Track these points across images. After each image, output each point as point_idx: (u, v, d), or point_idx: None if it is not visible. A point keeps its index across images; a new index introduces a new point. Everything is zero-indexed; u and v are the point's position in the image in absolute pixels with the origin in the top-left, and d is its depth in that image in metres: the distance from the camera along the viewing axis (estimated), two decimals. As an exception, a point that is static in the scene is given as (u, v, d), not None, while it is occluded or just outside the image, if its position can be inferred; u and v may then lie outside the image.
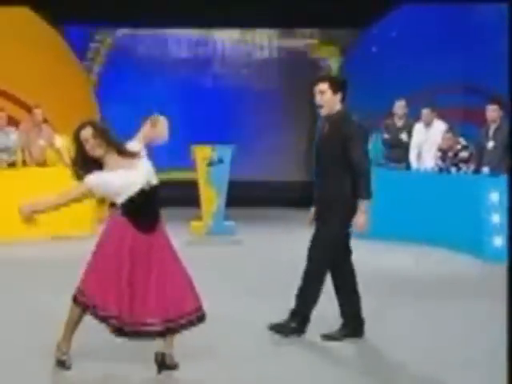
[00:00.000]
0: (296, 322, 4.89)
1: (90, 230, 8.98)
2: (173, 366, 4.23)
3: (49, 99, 10.72)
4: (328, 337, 4.86)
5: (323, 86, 4.80)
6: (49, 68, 11.46)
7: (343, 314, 4.94)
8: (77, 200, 4.16)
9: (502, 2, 6.97)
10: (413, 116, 9.63)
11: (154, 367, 4.19)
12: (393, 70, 11.34)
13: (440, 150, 9.03)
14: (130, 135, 4.25)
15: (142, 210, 4.06)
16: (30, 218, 4.09)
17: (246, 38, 13.94)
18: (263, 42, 13.90)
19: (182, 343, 4.29)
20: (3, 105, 10.53)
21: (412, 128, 9.50)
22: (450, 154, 8.87)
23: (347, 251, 4.95)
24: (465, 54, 10.99)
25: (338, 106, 4.83)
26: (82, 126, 4.10)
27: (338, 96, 4.81)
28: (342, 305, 4.94)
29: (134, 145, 4.14)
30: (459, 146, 8.83)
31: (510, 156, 7.89)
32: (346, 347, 4.75)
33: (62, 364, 4.23)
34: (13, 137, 9.58)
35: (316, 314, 4.92)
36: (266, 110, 13.65)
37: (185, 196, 10.45)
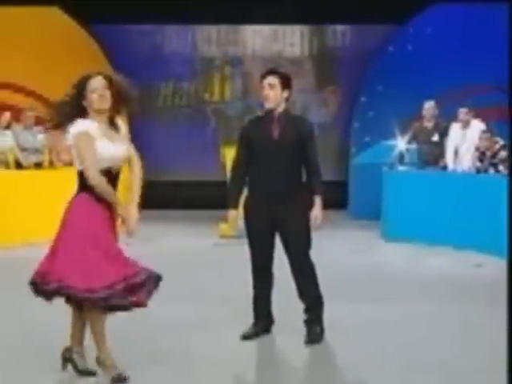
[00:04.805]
0: (319, 326, 4.85)
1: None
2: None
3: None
4: (245, 336, 4.81)
5: (274, 80, 4.72)
6: (78, 68, 11.40)
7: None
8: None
9: (502, 1, 6.84)
10: (446, 116, 9.40)
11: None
12: (426, 68, 11.12)
13: (478, 150, 8.83)
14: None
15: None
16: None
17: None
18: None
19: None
20: (33, 104, 10.52)
21: (444, 129, 9.26)
22: (489, 154, 8.67)
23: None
24: (498, 53, 10.75)
25: (283, 104, 4.75)
26: (92, 75, 4.03)
27: (285, 93, 4.75)
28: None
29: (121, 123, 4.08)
30: (498, 146, 8.62)
31: (509, 155, 7.64)
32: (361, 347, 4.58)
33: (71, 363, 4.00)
34: (40, 137, 9.54)
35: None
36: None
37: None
